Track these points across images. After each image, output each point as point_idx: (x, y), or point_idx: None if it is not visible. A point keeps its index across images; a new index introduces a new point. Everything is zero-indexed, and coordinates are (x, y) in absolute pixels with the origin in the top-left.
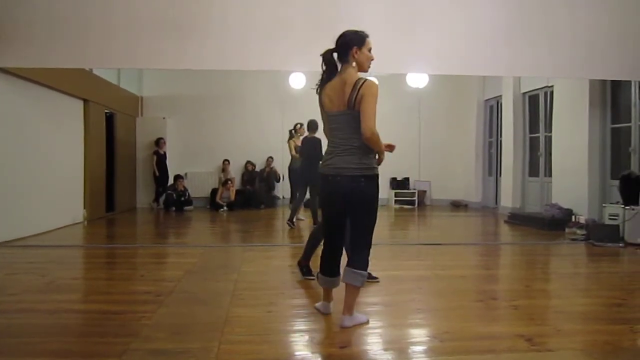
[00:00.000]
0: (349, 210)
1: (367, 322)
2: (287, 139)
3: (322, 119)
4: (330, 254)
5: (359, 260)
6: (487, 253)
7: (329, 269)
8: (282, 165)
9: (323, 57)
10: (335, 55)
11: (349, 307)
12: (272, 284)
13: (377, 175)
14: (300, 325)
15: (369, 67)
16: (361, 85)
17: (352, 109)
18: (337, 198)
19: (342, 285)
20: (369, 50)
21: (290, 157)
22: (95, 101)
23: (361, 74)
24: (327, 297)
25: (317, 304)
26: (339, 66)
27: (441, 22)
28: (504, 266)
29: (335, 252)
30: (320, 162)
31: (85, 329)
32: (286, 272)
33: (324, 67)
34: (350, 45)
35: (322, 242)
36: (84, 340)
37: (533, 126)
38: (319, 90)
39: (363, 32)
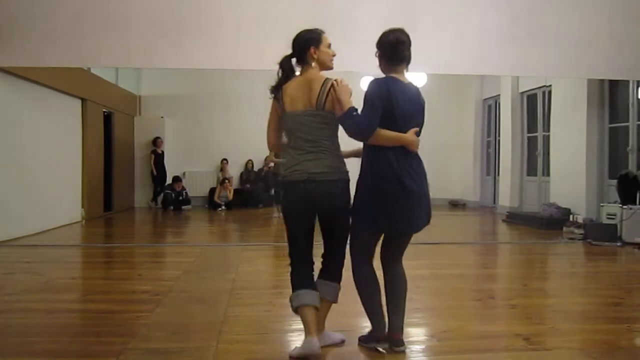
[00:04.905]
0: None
1: (342, 342)
2: None
3: (272, 123)
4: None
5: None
6: (485, 252)
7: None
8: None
9: (280, 65)
10: (293, 60)
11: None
12: (270, 283)
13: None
14: (298, 324)
15: (331, 62)
16: (330, 85)
17: (321, 109)
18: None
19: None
20: (328, 46)
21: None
22: (93, 100)
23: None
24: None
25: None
26: (298, 70)
27: (440, 22)
28: (501, 265)
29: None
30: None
31: (82, 329)
32: (284, 271)
33: (280, 73)
34: (307, 46)
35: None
36: (82, 340)
37: (531, 126)
38: (275, 95)
39: (318, 30)
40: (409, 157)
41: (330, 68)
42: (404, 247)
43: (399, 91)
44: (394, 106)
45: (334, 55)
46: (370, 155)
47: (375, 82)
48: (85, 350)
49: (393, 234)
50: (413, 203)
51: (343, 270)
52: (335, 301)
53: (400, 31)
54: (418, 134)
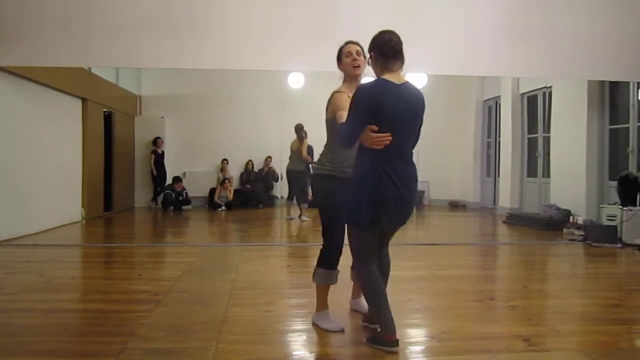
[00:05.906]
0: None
1: (340, 331)
2: (297, 139)
3: None
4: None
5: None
6: (485, 253)
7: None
8: (280, 165)
9: None
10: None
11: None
12: (270, 283)
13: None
14: (298, 324)
15: (356, 68)
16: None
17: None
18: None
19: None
20: (348, 54)
21: (288, 158)
22: (93, 100)
23: (369, 79)
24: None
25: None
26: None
27: (440, 23)
28: (501, 266)
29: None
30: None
31: (82, 329)
32: (284, 271)
33: None
34: (337, 65)
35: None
36: (82, 340)
37: (531, 127)
38: None
39: (343, 45)
40: (392, 160)
41: (356, 74)
42: (389, 238)
43: (388, 94)
44: (382, 110)
45: (354, 60)
46: (358, 157)
47: (360, 90)
48: (85, 350)
49: (379, 230)
50: (395, 206)
51: (323, 257)
52: (314, 282)
53: (392, 32)
54: (417, 134)
